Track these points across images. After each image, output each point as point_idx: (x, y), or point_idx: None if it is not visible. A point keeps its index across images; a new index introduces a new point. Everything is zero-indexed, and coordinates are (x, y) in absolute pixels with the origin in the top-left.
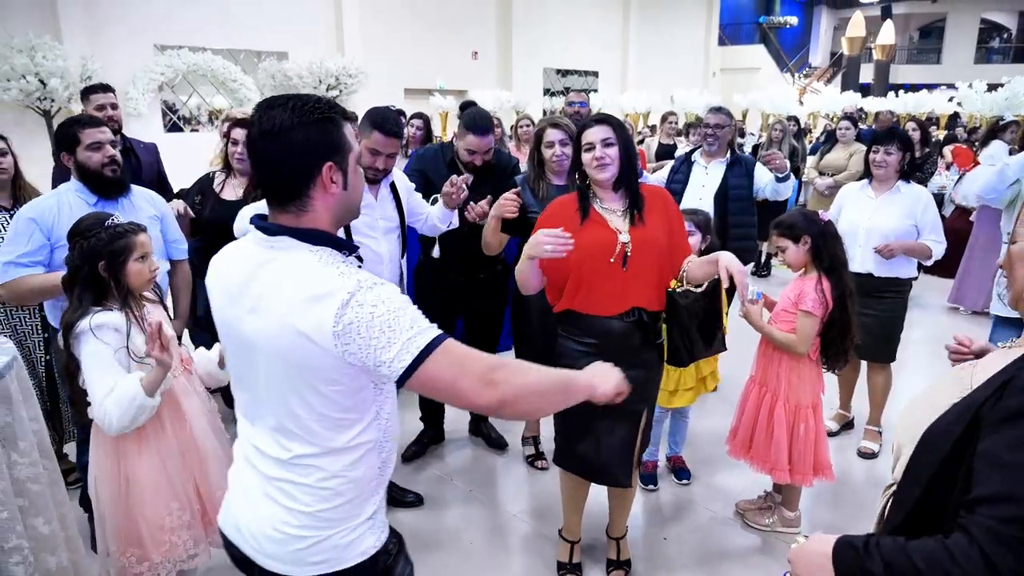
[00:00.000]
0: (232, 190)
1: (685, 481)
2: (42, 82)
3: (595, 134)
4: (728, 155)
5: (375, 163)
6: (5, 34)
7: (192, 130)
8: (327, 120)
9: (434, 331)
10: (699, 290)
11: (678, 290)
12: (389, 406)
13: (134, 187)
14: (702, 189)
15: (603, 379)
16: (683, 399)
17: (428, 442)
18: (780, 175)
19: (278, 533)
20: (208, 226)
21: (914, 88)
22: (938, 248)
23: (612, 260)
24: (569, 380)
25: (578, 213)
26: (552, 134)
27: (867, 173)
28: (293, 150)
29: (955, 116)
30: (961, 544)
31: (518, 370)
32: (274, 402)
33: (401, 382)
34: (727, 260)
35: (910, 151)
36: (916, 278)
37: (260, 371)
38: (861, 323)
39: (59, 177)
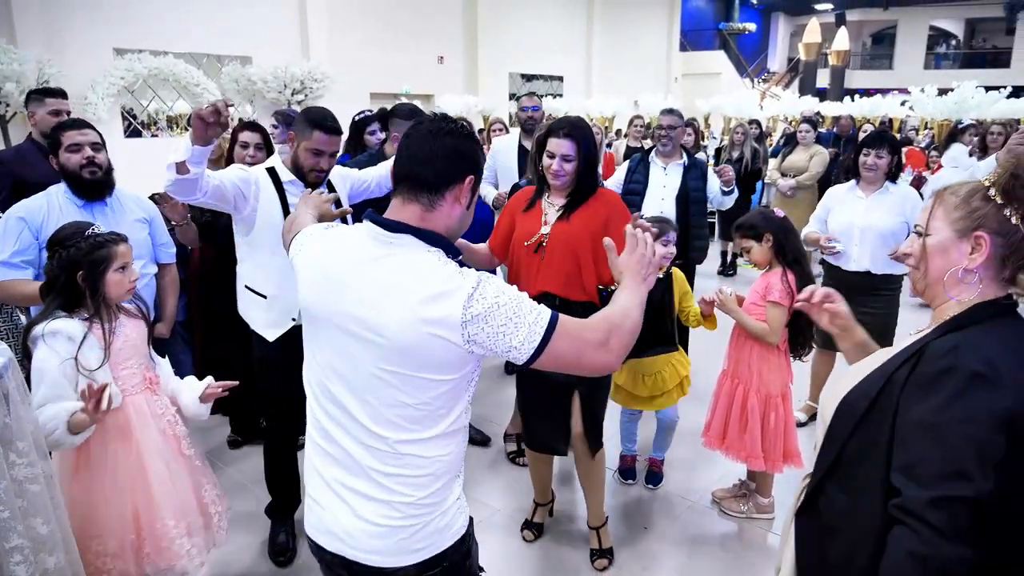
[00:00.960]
0: None
1: (651, 486)
2: None
3: (558, 147)
4: (685, 157)
5: (319, 164)
6: None
7: (152, 135)
8: (479, 144)
9: (548, 311)
10: None
11: (612, 288)
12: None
13: (122, 190)
14: (663, 190)
15: (638, 272)
16: (654, 404)
17: None
18: (726, 189)
19: (381, 527)
20: (225, 231)
21: (868, 93)
22: None
23: (527, 245)
24: (638, 297)
25: (529, 200)
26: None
27: (855, 174)
28: (452, 151)
29: (903, 121)
30: (908, 536)
31: (620, 324)
32: (382, 394)
33: (531, 361)
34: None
35: (897, 154)
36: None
37: (369, 362)
38: (860, 320)
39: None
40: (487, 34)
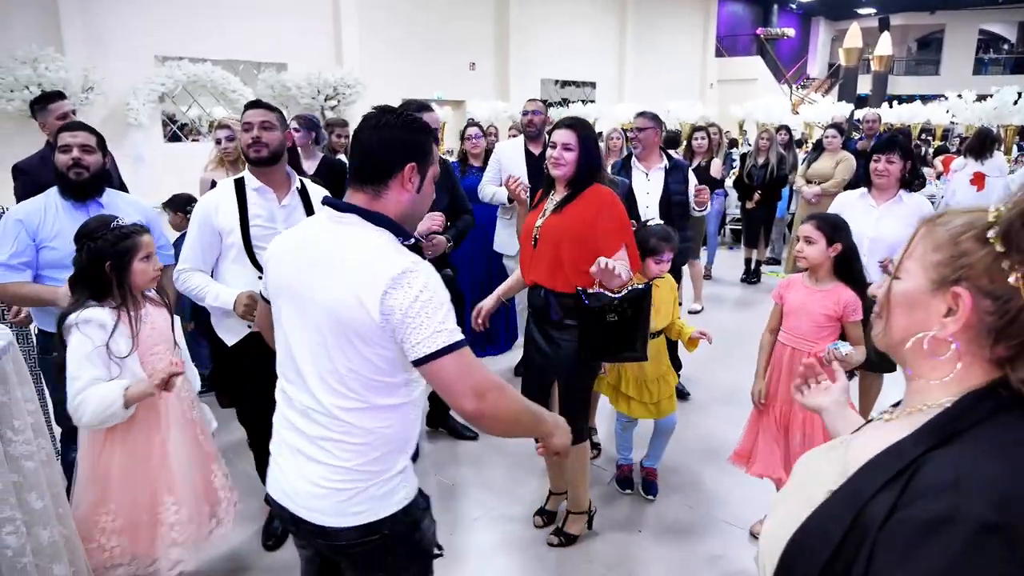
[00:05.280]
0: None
1: (650, 497)
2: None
3: (559, 136)
4: (665, 160)
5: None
6: (8, 46)
7: (192, 140)
8: (422, 131)
9: (459, 335)
10: (616, 295)
11: (589, 290)
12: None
13: (119, 193)
14: (647, 196)
15: (560, 434)
16: (649, 412)
17: (417, 447)
18: (698, 211)
19: (321, 488)
20: None
21: (912, 99)
22: None
23: (531, 242)
24: (540, 421)
25: (538, 200)
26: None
27: (867, 182)
28: (389, 141)
29: (946, 128)
30: None
31: (507, 396)
32: (321, 358)
33: (419, 363)
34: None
35: (911, 159)
36: None
37: (312, 326)
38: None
39: (22, 185)
40: (518, 40)
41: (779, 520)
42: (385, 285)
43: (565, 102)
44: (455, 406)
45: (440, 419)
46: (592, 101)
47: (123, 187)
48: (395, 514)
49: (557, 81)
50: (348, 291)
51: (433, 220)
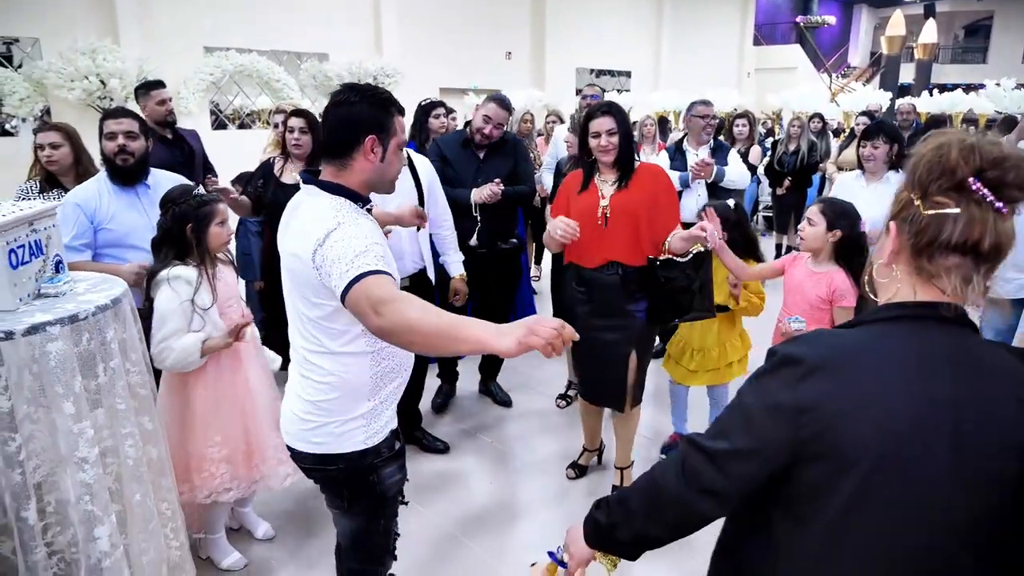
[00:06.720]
0: (290, 174)
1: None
2: (103, 82)
3: (601, 125)
4: (711, 141)
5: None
6: (70, 38)
7: (240, 127)
8: (380, 105)
9: (369, 267)
10: (683, 260)
11: (660, 259)
12: None
13: (164, 173)
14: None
15: (498, 336)
16: (699, 379)
17: (447, 394)
18: (708, 180)
19: (293, 415)
20: (269, 207)
21: (956, 88)
22: None
23: (598, 221)
24: (458, 329)
25: (581, 183)
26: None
27: (859, 165)
28: (348, 118)
29: (991, 119)
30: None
31: (408, 307)
32: (292, 307)
33: (341, 299)
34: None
35: (898, 142)
36: None
37: (288, 279)
38: None
39: None
40: (554, 29)
41: None
42: (315, 244)
43: (594, 86)
44: (367, 326)
45: (482, 385)
46: (627, 90)
47: (207, 161)
48: (350, 454)
49: (592, 70)
50: (297, 250)
51: (491, 188)
